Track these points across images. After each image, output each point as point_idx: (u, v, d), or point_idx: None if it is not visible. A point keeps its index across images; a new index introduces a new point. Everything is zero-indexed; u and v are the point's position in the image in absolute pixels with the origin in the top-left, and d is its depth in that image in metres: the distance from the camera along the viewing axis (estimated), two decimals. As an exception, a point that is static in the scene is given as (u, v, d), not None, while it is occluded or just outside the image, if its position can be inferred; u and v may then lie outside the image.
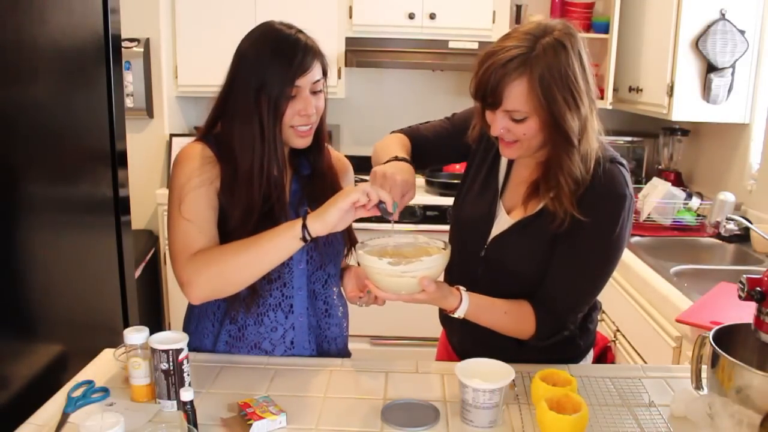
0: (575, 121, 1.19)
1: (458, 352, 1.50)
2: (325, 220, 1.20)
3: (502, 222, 1.36)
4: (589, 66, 1.21)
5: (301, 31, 1.34)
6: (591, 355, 1.49)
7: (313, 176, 1.43)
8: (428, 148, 1.49)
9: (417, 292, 1.22)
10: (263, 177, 1.31)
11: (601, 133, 1.28)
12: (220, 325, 1.41)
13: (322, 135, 1.41)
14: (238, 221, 1.30)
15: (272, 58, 1.28)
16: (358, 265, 1.36)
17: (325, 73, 1.36)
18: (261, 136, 1.29)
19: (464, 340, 1.47)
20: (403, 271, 1.19)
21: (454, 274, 1.46)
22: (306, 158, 1.43)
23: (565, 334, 1.35)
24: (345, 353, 1.53)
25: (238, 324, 1.40)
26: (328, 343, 1.47)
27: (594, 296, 1.37)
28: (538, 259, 1.31)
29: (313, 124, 1.35)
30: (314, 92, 1.32)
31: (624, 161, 1.31)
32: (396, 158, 1.34)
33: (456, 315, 1.28)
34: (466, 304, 1.27)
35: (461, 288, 1.29)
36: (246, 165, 1.30)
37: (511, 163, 1.40)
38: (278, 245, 1.23)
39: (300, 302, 1.41)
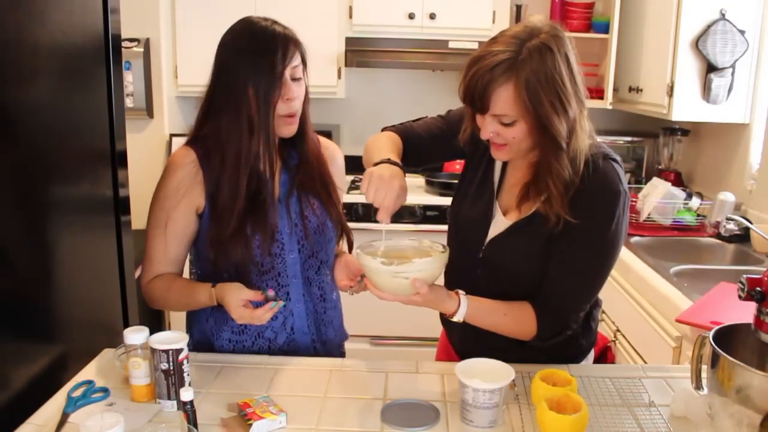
0: (563, 125, 1.19)
1: (459, 352, 1.50)
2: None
3: (499, 224, 1.36)
4: (577, 67, 1.21)
5: (276, 23, 1.37)
6: (592, 353, 1.49)
7: (301, 164, 1.46)
8: (421, 148, 1.49)
9: (413, 295, 1.22)
10: (248, 169, 1.35)
11: (593, 133, 1.28)
12: (223, 318, 1.43)
13: (305, 122, 1.44)
14: (223, 210, 1.35)
15: (255, 53, 1.32)
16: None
17: (304, 62, 1.39)
18: (249, 129, 1.33)
19: (465, 340, 1.47)
20: (395, 271, 1.20)
21: (453, 275, 1.46)
22: (293, 148, 1.46)
23: (568, 333, 1.35)
24: (343, 335, 1.57)
25: None
26: (326, 326, 1.50)
27: (594, 294, 1.37)
28: (537, 259, 1.31)
29: (297, 111, 1.38)
30: (294, 79, 1.35)
31: (617, 157, 1.31)
32: (388, 161, 1.32)
33: (455, 319, 1.28)
34: (465, 308, 1.27)
35: (460, 292, 1.29)
36: (232, 157, 1.34)
37: (506, 164, 1.39)
38: (202, 306, 1.39)
39: (296, 289, 1.44)
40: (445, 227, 1.52)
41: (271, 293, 1.31)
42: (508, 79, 1.16)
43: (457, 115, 1.46)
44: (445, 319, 1.53)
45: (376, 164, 1.31)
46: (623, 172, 1.29)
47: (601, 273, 1.32)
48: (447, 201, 3.12)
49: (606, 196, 1.26)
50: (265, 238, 1.37)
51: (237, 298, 1.29)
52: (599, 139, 1.31)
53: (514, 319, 1.31)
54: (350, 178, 3.18)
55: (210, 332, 1.46)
